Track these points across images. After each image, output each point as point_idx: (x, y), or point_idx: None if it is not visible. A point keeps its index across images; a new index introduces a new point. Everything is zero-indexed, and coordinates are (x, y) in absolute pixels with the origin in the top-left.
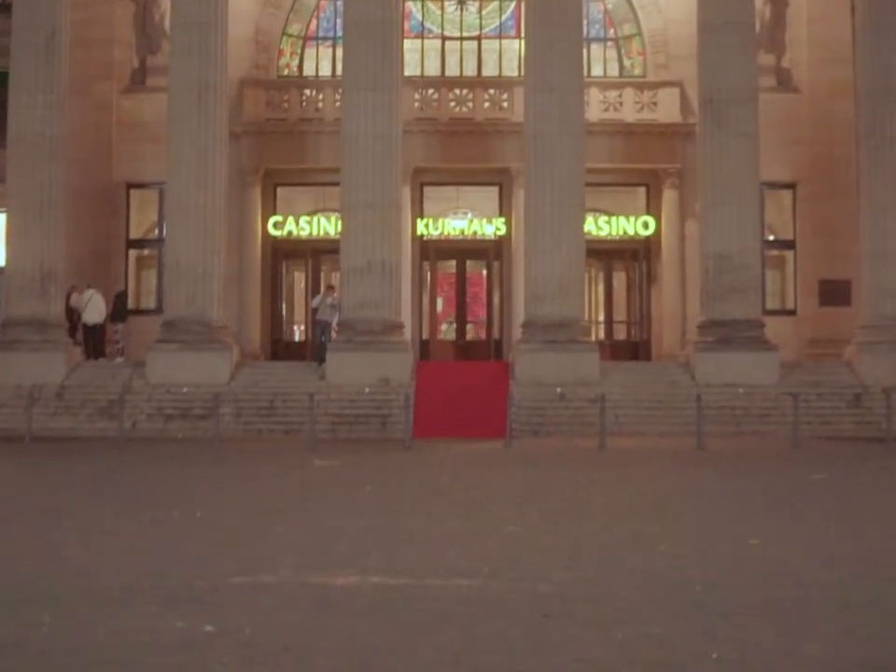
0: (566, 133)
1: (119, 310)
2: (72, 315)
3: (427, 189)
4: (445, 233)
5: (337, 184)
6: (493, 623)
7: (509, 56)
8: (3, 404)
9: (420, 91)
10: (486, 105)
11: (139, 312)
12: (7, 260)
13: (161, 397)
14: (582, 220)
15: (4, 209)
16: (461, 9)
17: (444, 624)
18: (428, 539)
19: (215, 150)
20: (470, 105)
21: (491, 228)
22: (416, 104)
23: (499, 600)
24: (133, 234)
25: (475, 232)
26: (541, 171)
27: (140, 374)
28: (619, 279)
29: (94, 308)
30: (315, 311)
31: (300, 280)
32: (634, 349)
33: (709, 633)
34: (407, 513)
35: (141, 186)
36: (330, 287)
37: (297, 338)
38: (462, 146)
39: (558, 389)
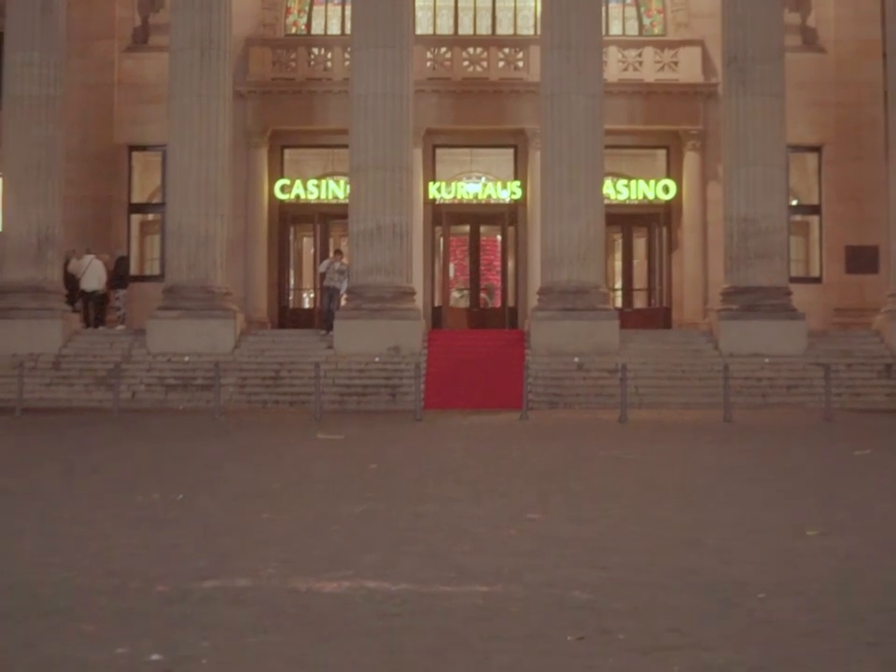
0: (583, 91)
1: (120, 276)
2: (71, 281)
3: (439, 152)
4: (458, 197)
5: (346, 146)
6: (514, 651)
7: (524, 14)
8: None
9: (432, 50)
10: (501, 64)
11: (142, 278)
12: (3, 225)
13: (161, 366)
14: (601, 182)
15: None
16: None
17: (454, 651)
18: (437, 529)
19: (218, 109)
20: (485, 64)
21: (506, 192)
22: (428, 63)
23: (522, 615)
24: (137, 199)
25: (489, 196)
26: (558, 131)
27: (141, 343)
28: (638, 245)
29: (93, 274)
30: (322, 277)
31: (308, 245)
32: (654, 317)
33: (797, 664)
34: (413, 496)
35: (143, 148)
36: (338, 252)
37: (305, 305)
38: (476, 106)
39: (576, 359)
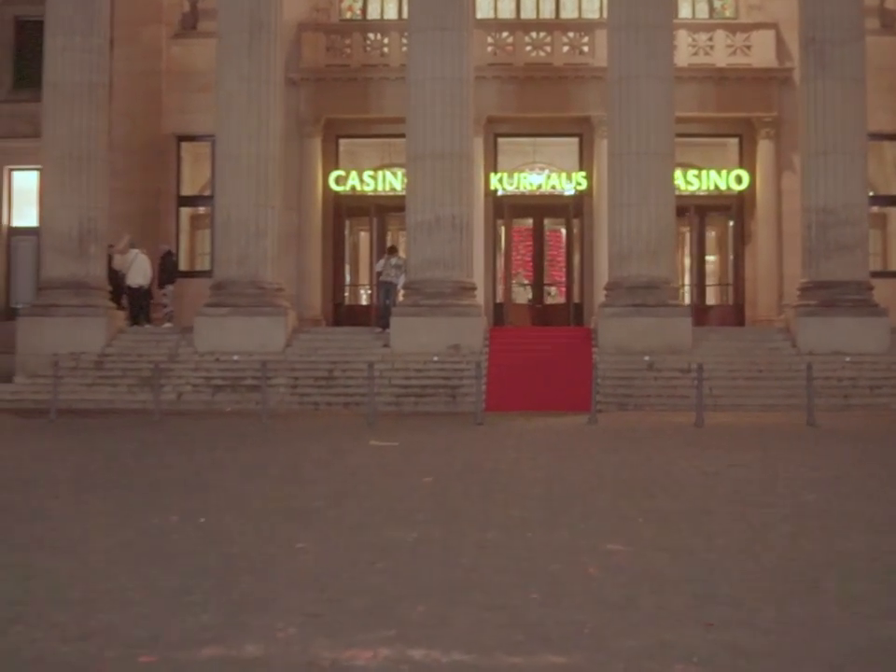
0: (653, 74)
1: (167, 271)
2: (115, 277)
3: (501, 142)
4: (521, 189)
5: (404, 136)
6: None
7: None
8: (36, 374)
9: (493, 34)
10: (565, 49)
11: (192, 274)
12: (43, 218)
13: (209, 366)
14: (672, 170)
15: (39, 166)
16: None
17: None
18: (501, 567)
19: (268, 95)
20: (548, 49)
21: (570, 183)
22: (489, 48)
23: None
24: (187, 191)
25: (553, 188)
26: (627, 116)
27: (188, 342)
28: (709, 238)
29: (139, 270)
30: (378, 274)
31: (364, 239)
32: (726, 314)
33: None
34: (474, 519)
35: (192, 139)
36: (393, 249)
37: (362, 302)
38: (539, 93)
39: (646, 358)
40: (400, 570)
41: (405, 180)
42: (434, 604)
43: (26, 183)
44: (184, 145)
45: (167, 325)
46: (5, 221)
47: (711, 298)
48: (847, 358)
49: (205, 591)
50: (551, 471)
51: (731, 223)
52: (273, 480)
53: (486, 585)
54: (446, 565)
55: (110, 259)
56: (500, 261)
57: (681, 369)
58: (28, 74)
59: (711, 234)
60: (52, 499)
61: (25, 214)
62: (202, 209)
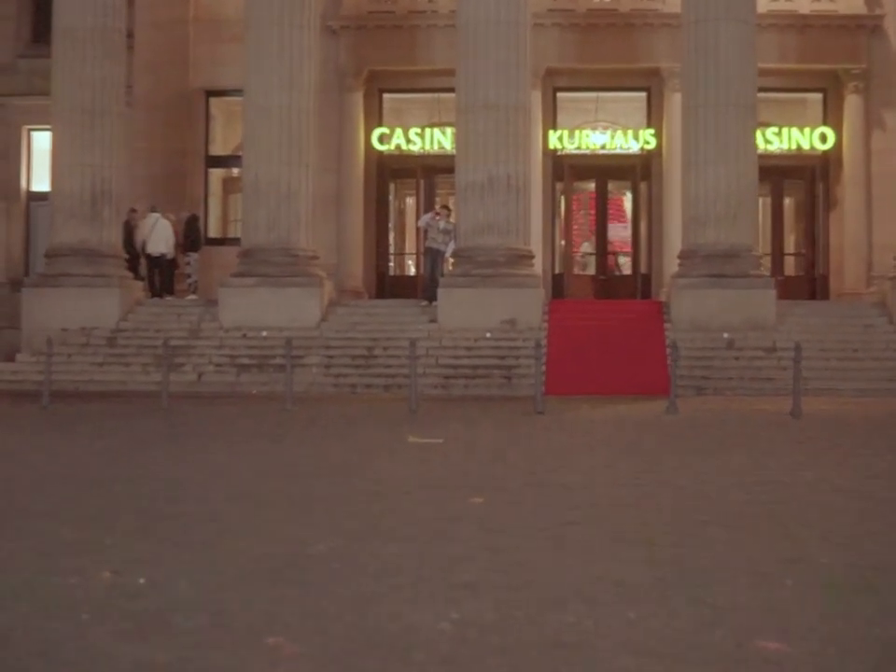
0: (733, 16)
1: (192, 238)
2: (132, 245)
3: (560, 97)
4: (583, 148)
5: (454, 90)
6: None
7: None
8: (41, 352)
9: None
10: None
11: (222, 241)
12: (53, 178)
13: (234, 342)
14: (755, 124)
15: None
16: None
17: None
18: (583, 647)
19: (302, 41)
20: None
21: (637, 142)
22: None
23: None
24: (218, 151)
25: (619, 147)
26: (703, 64)
27: (212, 315)
28: (790, 203)
29: (160, 236)
30: (424, 235)
31: (411, 204)
32: (808, 286)
33: None
34: (544, 579)
35: (222, 94)
36: (445, 208)
37: (410, 272)
38: (603, 42)
39: (725, 335)
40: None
41: (455, 140)
42: None
43: (46, 144)
44: (213, 100)
45: (191, 297)
46: (24, 185)
47: (792, 269)
48: None
49: None
50: (639, 489)
51: (814, 186)
52: (271, 503)
53: None
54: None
55: (128, 224)
56: (560, 227)
57: (765, 347)
58: (49, 27)
59: (791, 198)
60: None
61: (45, 177)
62: (235, 171)
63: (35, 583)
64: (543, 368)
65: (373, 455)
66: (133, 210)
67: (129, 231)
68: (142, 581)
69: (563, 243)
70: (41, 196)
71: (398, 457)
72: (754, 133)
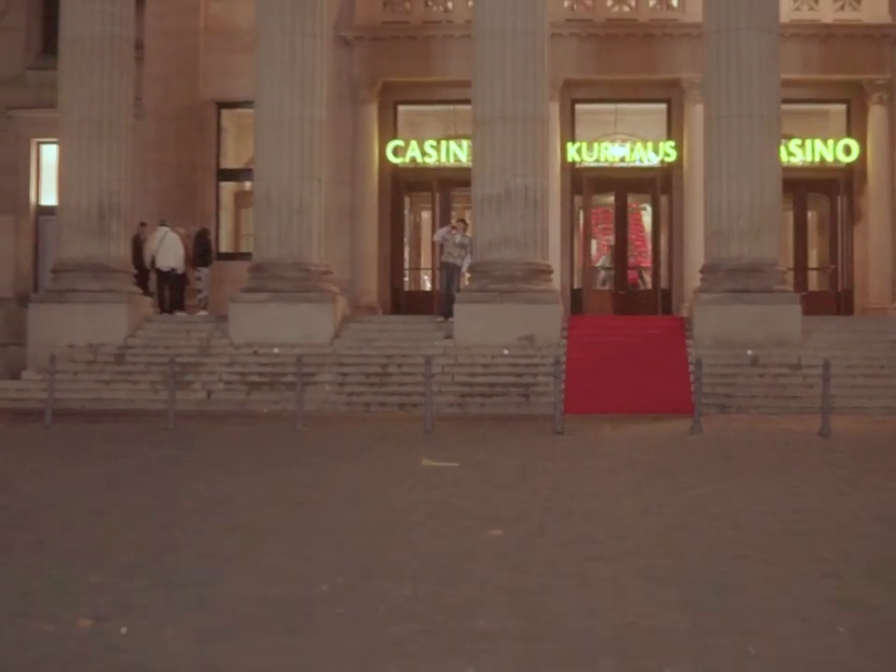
0: (755, 26)
1: (202, 253)
2: (141, 259)
3: (579, 109)
4: (601, 161)
5: (470, 101)
6: None
7: None
8: (46, 369)
9: None
10: (651, 2)
11: (234, 256)
12: (60, 191)
13: (245, 360)
14: (779, 135)
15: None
16: None
17: None
18: None
19: (314, 50)
20: (632, 2)
21: (657, 154)
22: (566, 2)
23: None
24: (230, 164)
25: (638, 159)
26: (725, 74)
27: (222, 332)
28: (813, 216)
29: (169, 250)
30: (440, 249)
31: (426, 217)
32: (832, 302)
33: None
34: (573, 628)
35: (234, 105)
36: (461, 222)
37: (425, 287)
38: (622, 53)
39: (749, 351)
40: None
41: (471, 152)
42: None
43: (55, 157)
44: (225, 112)
45: (202, 313)
46: (33, 199)
47: (813, 283)
48: None
49: None
50: (667, 517)
51: (838, 199)
52: (268, 536)
53: None
54: None
55: (135, 238)
56: (578, 242)
57: (790, 364)
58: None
59: (814, 212)
60: None
61: (55, 191)
62: (247, 185)
63: (4, 632)
64: (562, 385)
65: (385, 481)
66: (143, 224)
67: (138, 245)
68: (124, 630)
69: (581, 257)
70: (50, 210)
71: (410, 483)
72: (778, 144)
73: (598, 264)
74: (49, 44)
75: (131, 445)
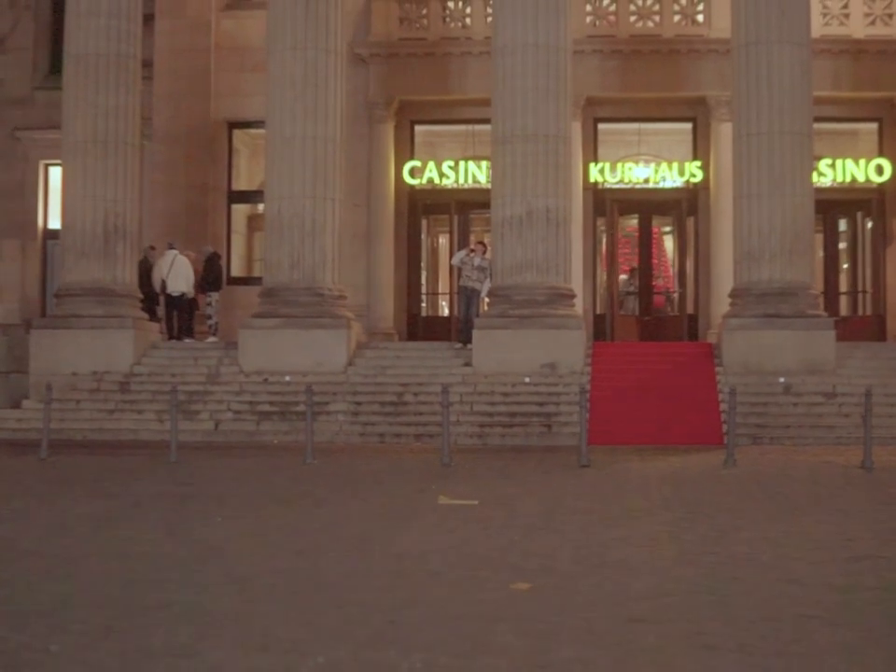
0: (786, 39)
1: (212, 277)
2: (148, 284)
3: (601, 128)
4: (625, 182)
5: (489, 121)
6: None
7: None
8: (50, 398)
9: (593, 1)
10: (676, 18)
11: (247, 281)
12: (64, 213)
13: (254, 388)
14: (811, 153)
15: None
16: None
17: None
18: None
19: (328, 66)
20: (656, 18)
21: (682, 175)
22: (588, 18)
23: None
24: (243, 186)
25: (663, 181)
26: (756, 90)
27: (231, 359)
28: (844, 238)
29: (179, 274)
30: (458, 273)
31: (444, 241)
32: (864, 327)
33: None
34: None
35: (246, 125)
36: (480, 244)
37: (443, 313)
38: (646, 70)
39: (781, 379)
40: None
41: (491, 172)
42: None
43: None
44: (236, 132)
45: (211, 339)
46: (41, 223)
47: (844, 307)
48: None
49: None
50: (714, 568)
51: (869, 221)
52: (263, 592)
53: None
54: None
55: (142, 262)
56: (602, 265)
57: (824, 392)
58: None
59: (847, 234)
60: None
61: None
62: (260, 207)
63: None
64: (587, 415)
65: (398, 522)
66: (152, 248)
67: (145, 269)
68: None
69: (605, 281)
70: (58, 234)
71: (426, 525)
72: (811, 162)
73: (622, 289)
74: (57, 64)
75: (128, 480)
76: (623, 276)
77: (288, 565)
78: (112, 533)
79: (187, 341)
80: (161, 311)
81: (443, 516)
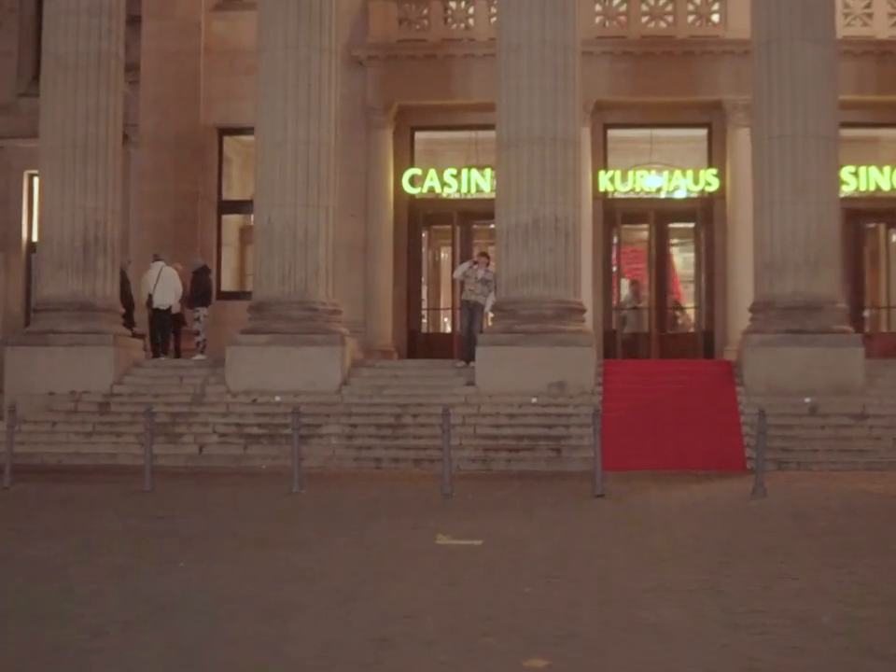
0: (810, 36)
1: (200, 291)
2: (130, 297)
3: (611, 135)
4: (637, 191)
5: (493, 126)
6: None
7: None
8: (24, 419)
9: (603, 0)
10: (690, 17)
11: (238, 295)
12: (41, 223)
13: (242, 409)
14: (836, 158)
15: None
16: None
17: None
18: None
19: (321, 66)
20: (669, 18)
21: (697, 184)
22: (598, 18)
23: None
24: (235, 195)
25: (676, 189)
26: (778, 90)
27: (218, 378)
28: (869, 249)
29: (166, 287)
30: (461, 288)
31: (445, 253)
32: (890, 343)
33: None
34: None
35: (238, 132)
36: (483, 255)
37: (445, 329)
38: (658, 73)
39: (807, 399)
40: None
41: (495, 177)
42: None
43: None
44: (227, 139)
45: (199, 356)
46: (25, 235)
47: (870, 323)
48: None
49: None
50: (767, 631)
51: (893, 232)
52: (216, 666)
53: None
54: None
55: (123, 273)
56: (613, 279)
57: (853, 414)
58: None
59: (872, 245)
60: None
61: None
62: (253, 218)
63: None
64: (600, 439)
65: (388, 569)
66: (129, 262)
67: (123, 281)
68: None
69: (616, 295)
70: None
71: (420, 572)
72: (837, 167)
73: (633, 303)
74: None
75: (92, 513)
76: (625, 292)
77: (251, 631)
78: (53, 583)
79: (171, 359)
80: (143, 327)
81: (441, 561)
